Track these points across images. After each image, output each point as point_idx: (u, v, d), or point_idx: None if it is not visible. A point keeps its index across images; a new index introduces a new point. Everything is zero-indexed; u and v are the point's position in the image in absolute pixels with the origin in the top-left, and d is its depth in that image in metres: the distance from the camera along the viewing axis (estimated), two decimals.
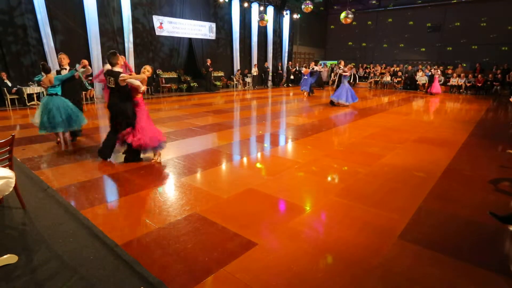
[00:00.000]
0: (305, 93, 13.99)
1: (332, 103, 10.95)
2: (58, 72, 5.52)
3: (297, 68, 20.36)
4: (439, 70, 16.11)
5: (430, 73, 16.64)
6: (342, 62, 11.55)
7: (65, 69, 5.59)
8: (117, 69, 4.41)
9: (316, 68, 14.73)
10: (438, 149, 5.53)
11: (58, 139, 5.69)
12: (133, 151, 4.62)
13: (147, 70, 4.54)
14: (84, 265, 2.27)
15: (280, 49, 20.78)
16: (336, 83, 11.35)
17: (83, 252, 2.42)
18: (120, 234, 2.71)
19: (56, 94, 5.32)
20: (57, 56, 10.78)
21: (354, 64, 21.01)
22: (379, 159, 4.95)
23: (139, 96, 4.58)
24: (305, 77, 14.00)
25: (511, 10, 16.62)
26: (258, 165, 4.85)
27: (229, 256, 2.42)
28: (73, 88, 5.87)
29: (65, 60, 5.63)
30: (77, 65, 5.50)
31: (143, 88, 4.47)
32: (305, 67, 14.72)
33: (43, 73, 5.36)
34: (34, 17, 10.36)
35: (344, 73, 10.63)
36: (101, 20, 11.90)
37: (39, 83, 5.96)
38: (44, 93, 8.64)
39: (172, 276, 2.19)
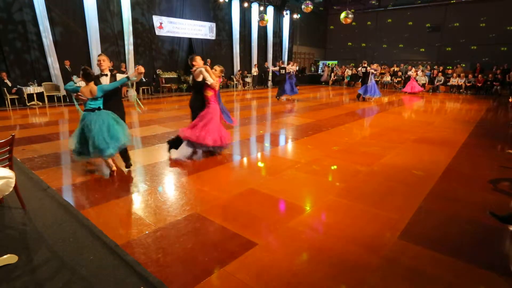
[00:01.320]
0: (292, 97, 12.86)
1: (363, 99, 12.58)
2: (97, 78, 4.19)
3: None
4: (416, 72, 16.23)
5: (430, 73, 16.66)
6: (366, 62, 13.38)
7: (106, 75, 4.28)
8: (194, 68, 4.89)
9: (270, 67, 12.97)
10: (438, 149, 5.53)
11: (114, 169, 4.19)
12: (177, 140, 4.93)
13: (215, 69, 4.90)
14: (84, 265, 2.27)
15: (280, 49, 20.80)
16: (361, 80, 13.03)
17: (83, 252, 2.42)
18: (120, 234, 2.71)
19: (99, 108, 4.02)
20: (56, 53, 10.93)
21: (353, 63, 21.04)
22: (379, 159, 4.95)
23: (210, 94, 4.80)
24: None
25: (509, 10, 16.64)
26: (258, 165, 4.85)
27: (229, 256, 2.42)
28: (119, 98, 4.61)
29: (105, 63, 4.30)
30: (129, 72, 4.42)
31: (211, 81, 4.68)
32: (289, 64, 12.92)
33: (76, 80, 3.99)
34: (32, 11, 10.37)
35: (374, 71, 12.52)
36: (101, 25, 11.92)
37: (75, 95, 4.21)
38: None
39: (172, 276, 2.19)
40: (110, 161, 4.13)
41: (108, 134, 3.95)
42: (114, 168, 4.19)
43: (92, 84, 3.98)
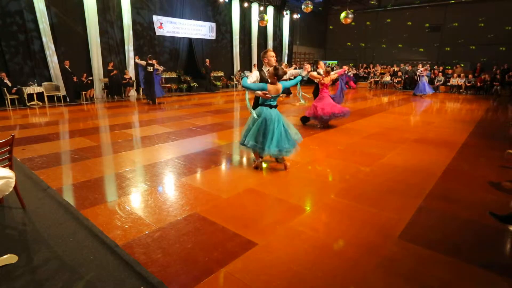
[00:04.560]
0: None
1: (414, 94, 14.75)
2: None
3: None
4: (349, 68, 18.78)
5: (430, 73, 16.68)
6: (420, 65, 15.63)
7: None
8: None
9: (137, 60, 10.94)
10: (438, 149, 5.53)
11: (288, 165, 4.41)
12: (305, 117, 7.42)
13: (321, 67, 7.07)
14: (84, 265, 2.27)
15: (280, 49, 20.80)
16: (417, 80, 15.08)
17: (83, 252, 2.42)
18: (120, 234, 2.71)
19: (276, 106, 4.17)
20: (56, 53, 10.94)
21: (352, 64, 21.05)
22: (379, 159, 4.95)
23: (321, 87, 7.07)
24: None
25: (508, 10, 16.64)
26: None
27: (229, 256, 2.42)
28: None
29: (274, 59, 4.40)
30: (302, 70, 4.55)
31: (317, 80, 6.64)
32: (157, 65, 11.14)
33: (248, 74, 4.16)
34: (32, 8, 10.38)
35: (421, 74, 14.30)
36: (100, 19, 11.92)
37: (260, 93, 4.04)
38: None
39: (172, 276, 2.19)
40: (285, 160, 4.41)
41: (286, 134, 4.14)
42: (288, 164, 4.44)
43: (279, 84, 4.07)
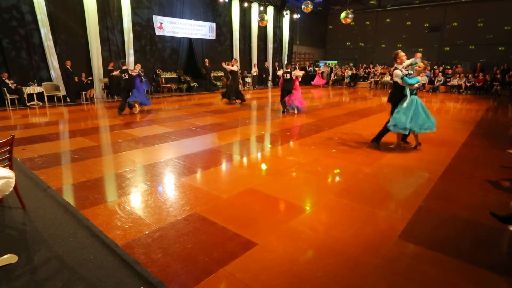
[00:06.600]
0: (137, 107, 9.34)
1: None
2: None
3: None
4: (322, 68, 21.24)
5: (430, 73, 16.71)
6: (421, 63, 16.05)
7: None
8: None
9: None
10: (438, 149, 5.53)
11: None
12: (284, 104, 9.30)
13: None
14: (84, 265, 2.27)
15: (280, 50, 20.80)
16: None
17: (83, 252, 2.42)
18: (120, 234, 2.71)
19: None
20: (56, 53, 10.93)
21: (352, 63, 21.03)
22: (379, 159, 4.95)
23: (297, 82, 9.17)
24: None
25: (508, 10, 16.65)
26: (258, 165, 4.85)
27: (229, 256, 2.42)
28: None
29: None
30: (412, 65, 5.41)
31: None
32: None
33: (405, 72, 5.20)
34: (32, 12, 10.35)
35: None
36: (101, 26, 11.93)
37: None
38: None
39: (172, 276, 2.19)
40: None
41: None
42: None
43: None
